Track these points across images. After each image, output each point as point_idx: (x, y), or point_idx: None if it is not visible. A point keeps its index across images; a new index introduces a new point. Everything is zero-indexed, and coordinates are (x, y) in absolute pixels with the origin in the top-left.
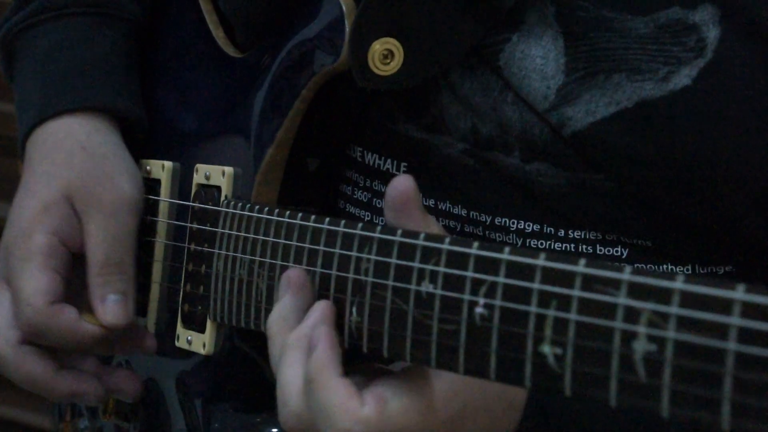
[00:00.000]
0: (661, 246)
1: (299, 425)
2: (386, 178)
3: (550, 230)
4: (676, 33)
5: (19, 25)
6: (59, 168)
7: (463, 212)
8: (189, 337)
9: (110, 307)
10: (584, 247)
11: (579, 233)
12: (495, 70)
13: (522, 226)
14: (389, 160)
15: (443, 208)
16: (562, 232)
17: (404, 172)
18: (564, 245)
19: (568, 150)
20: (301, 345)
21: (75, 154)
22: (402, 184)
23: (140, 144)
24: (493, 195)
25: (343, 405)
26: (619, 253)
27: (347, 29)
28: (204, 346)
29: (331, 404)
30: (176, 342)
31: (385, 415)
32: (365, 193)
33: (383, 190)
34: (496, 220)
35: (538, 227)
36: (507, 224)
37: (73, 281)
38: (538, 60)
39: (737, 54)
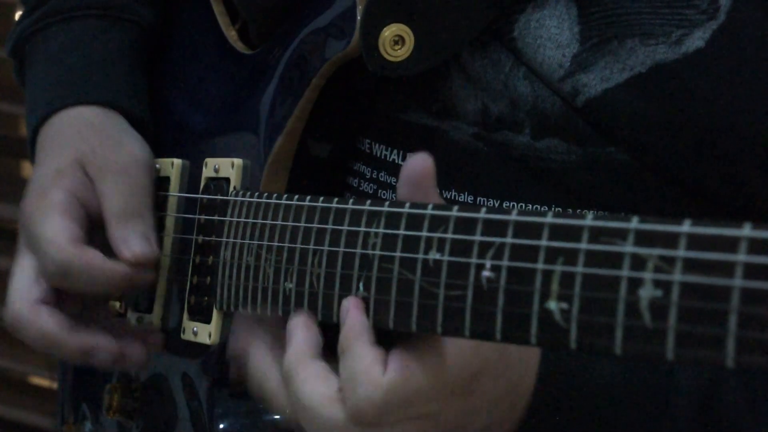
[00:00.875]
0: None
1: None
2: (392, 168)
3: (558, 211)
4: None
5: (30, 29)
6: (70, 140)
7: (471, 199)
8: (195, 328)
9: (133, 243)
10: None
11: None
12: (507, 44)
13: (530, 209)
14: (395, 151)
15: (448, 197)
16: (570, 212)
17: None
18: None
19: (580, 121)
20: (300, 360)
21: (84, 129)
22: (422, 160)
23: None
24: (502, 179)
25: (366, 372)
26: None
27: (359, 16)
28: (209, 335)
29: (357, 371)
30: (182, 335)
31: (405, 380)
32: (371, 184)
33: (389, 181)
34: (504, 205)
35: (546, 209)
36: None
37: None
38: (553, 29)
39: (750, 15)
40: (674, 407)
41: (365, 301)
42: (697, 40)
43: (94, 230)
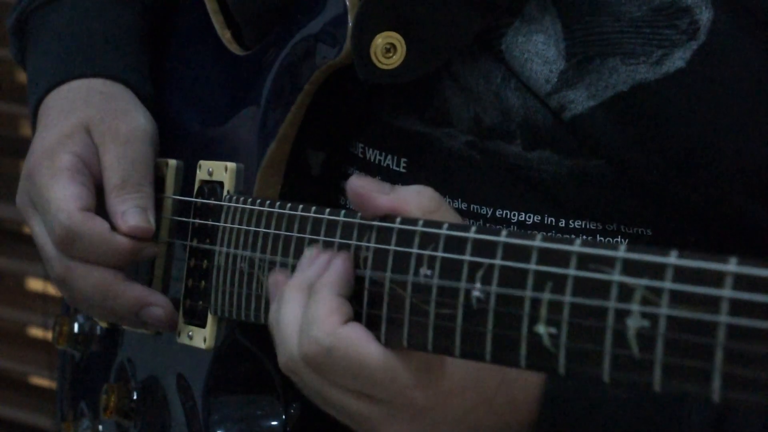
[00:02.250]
0: (661, 234)
1: (293, 366)
2: (386, 174)
3: (551, 220)
4: (670, 16)
5: (34, 3)
6: (77, 106)
7: (464, 206)
8: (190, 333)
9: (129, 216)
10: (584, 237)
11: (579, 223)
12: (496, 56)
13: (523, 218)
14: (390, 156)
15: None
16: (563, 222)
17: (404, 167)
18: (564, 236)
19: (568, 135)
20: (302, 287)
21: (92, 96)
22: (350, 184)
23: None
24: (494, 187)
25: (324, 317)
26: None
27: (350, 23)
28: (205, 340)
29: (316, 314)
30: (177, 338)
31: (358, 348)
32: None
33: None
34: (497, 213)
35: (539, 218)
36: (508, 216)
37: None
38: (540, 45)
39: (730, 36)
40: (688, 426)
41: (357, 314)
42: (677, 60)
43: (99, 195)
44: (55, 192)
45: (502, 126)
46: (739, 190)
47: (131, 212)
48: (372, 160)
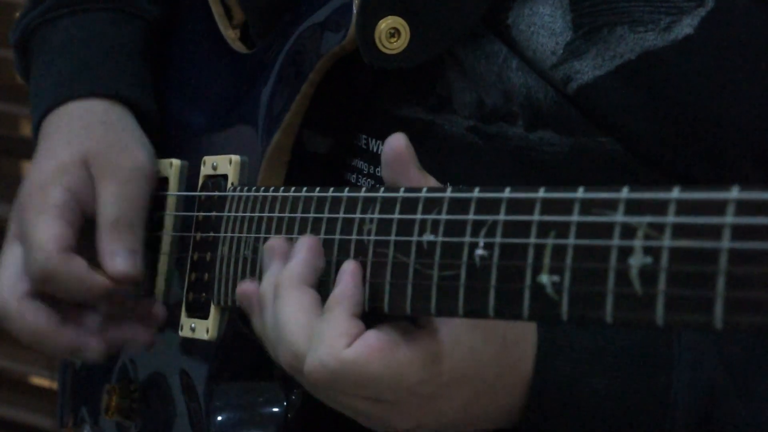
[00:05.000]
0: None
1: (298, 371)
2: None
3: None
4: None
5: (36, 21)
6: (78, 135)
7: None
8: (192, 325)
9: (119, 259)
10: None
11: None
12: (500, 34)
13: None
14: None
15: None
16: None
17: None
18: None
19: (572, 110)
20: (293, 282)
21: (93, 126)
22: (395, 141)
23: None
24: (497, 171)
25: (331, 340)
26: None
27: (355, 10)
28: (207, 331)
29: (325, 335)
30: (180, 332)
31: (364, 362)
32: (369, 180)
33: None
34: None
35: None
36: None
37: (84, 244)
38: (546, 17)
39: (739, 2)
40: (671, 424)
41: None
42: (685, 27)
43: (89, 228)
44: (38, 231)
45: (504, 107)
46: (747, 160)
47: (121, 255)
48: (376, 152)
